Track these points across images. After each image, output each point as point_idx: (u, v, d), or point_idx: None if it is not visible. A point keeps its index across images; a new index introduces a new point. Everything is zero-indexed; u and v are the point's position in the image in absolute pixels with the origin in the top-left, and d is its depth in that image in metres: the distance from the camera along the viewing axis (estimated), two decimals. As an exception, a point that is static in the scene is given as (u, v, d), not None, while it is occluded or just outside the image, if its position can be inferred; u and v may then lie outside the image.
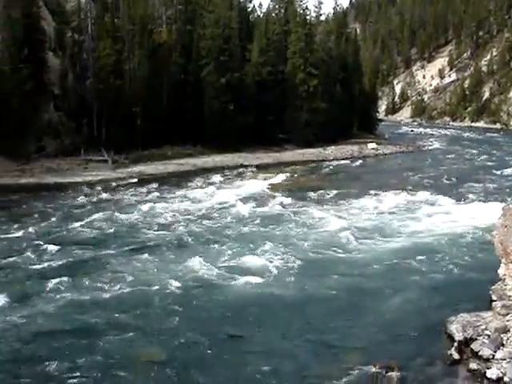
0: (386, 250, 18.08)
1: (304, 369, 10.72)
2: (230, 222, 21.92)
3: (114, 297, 13.90)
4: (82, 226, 21.27)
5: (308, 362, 10.94)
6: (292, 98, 51.29)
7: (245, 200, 25.73)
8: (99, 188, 31.04)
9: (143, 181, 33.58)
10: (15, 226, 21.41)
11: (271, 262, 16.61)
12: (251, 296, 14.14)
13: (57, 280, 14.85)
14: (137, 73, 43.25)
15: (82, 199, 27.76)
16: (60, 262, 16.70)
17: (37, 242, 18.98)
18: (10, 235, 19.98)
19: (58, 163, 36.32)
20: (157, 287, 14.48)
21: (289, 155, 47.03)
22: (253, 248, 17.93)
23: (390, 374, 10.31)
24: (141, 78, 42.82)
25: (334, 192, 28.10)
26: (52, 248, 18.17)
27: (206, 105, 45.51)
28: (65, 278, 14.98)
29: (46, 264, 16.66)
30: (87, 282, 14.97)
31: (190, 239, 19.46)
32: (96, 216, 22.90)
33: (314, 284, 15.00)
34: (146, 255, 17.33)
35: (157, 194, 28.92)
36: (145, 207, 24.80)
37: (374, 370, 10.40)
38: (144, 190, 30.42)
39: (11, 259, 17.19)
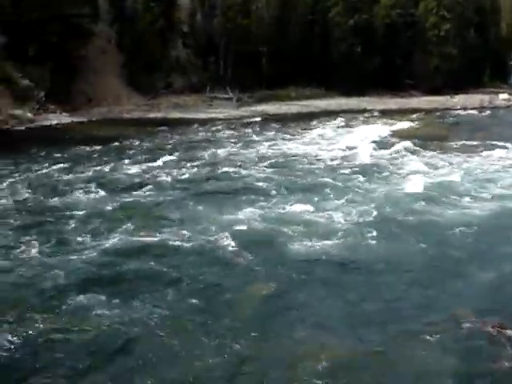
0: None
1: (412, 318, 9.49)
2: (344, 167, 20.11)
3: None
4: (201, 162, 20.67)
5: (416, 313, 9.65)
6: (421, 42, 48.05)
7: (365, 145, 24.14)
8: (222, 125, 30.70)
9: (266, 120, 32.86)
10: (146, 157, 21.47)
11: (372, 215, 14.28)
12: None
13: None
14: (264, 12, 42.10)
15: (204, 135, 27.48)
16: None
17: (165, 171, 18.92)
18: (147, 164, 19.90)
19: (184, 99, 36.43)
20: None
21: (415, 101, 44.29)
22: (359, 200, 15.60)
23: (504, 331, 9.05)
24: (268, 18, 41.68)
25: (459, 143, 25.70)
26: (168, 179, 17.99)
27: (332, 46, 43.65)
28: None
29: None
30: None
31: (296, 184, 17.48)
32: (216, 152, 22.33)
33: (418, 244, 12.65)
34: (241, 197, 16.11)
35: (278, 134, 28.01)
36: (264, 146, 23.95)
37: (487, 328, 9.15)
38: (266, 129, 29.62)
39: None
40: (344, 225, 13.37)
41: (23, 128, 28.79)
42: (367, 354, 8.40)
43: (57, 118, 30.68)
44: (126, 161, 20.66)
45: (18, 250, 11.62)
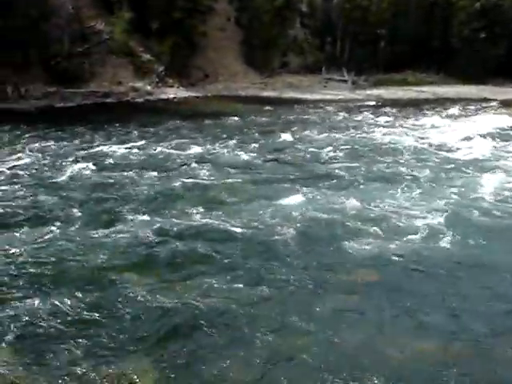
0: None
1: None
2: (456, 160, 18.26)
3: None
4: (308, 144, 19.75)
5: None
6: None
7: (482, 137, 22.17)
8: (335, 107, 29.73)
9: (380, 105, 31.51)
10: (254, 135, 21.01)
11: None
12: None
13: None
14: (385, -7, 40.39)
15: (317, 116, 26.65)
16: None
17: (269, 151, 18.28)
18: (253, 144, 19.34)
19: (299, 79, 35.72)
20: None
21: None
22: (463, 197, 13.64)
23: None
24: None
25: None
26: (270, 158, 17.36)
27: (454, 30, 41.23)
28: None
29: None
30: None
31: (402, 174, 15.77)
32: (324, 135, 21.34)
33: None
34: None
35: (391, 119, 26.59)
36: (376, 132, 22.70)
37: None
38: (379, 114, 28.25)
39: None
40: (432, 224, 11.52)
41: (142, 100, 29.33)
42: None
43: (174, 92, 30.98)
44: (232, 138, 20.11)
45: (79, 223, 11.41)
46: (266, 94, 32.53)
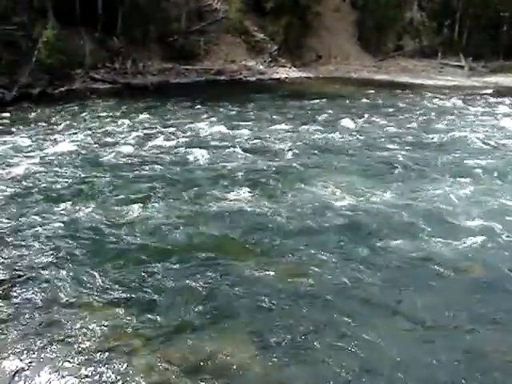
0: None
1: None
2: None
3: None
4: (423, 131, 18.36)
5: None
6: None
7: None
8: (449, 93, 27.89)
9: (498, 94, 29.27)
10: (358, 119, 19.79)
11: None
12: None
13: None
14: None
15: (429, 102, 25.02)
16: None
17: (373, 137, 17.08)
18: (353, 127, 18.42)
19: (414, 64, 34.00)
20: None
21: None
22: None
23: None
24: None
25: None
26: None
27: None
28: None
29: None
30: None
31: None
32: (435, 124, 19.71)
33: None
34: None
35: (506, 109, 24.38)
36: (492, 123, 20.66)
37: None
38: (497, 103, 26.11)
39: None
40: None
41: (254, 79, 28.99)
42: None
43: (286, 72, 30.38)
44: (342, 120, 19.22)
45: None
46: (378, 77, 31.21)
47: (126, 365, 6.44)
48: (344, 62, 32.60)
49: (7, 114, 19.09)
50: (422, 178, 12.90)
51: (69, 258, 8.69)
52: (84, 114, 19.53)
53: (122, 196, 11.20)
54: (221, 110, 20.63)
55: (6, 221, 9.98)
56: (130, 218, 10.11)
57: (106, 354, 6.62)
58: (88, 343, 6.77)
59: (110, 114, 19.56)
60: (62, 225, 9.74)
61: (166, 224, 9.81)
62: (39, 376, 6.30)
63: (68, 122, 18.12)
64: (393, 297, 7.94)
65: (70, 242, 9.16)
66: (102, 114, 19.47)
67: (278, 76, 29.69)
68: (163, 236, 9.44)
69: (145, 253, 8.86)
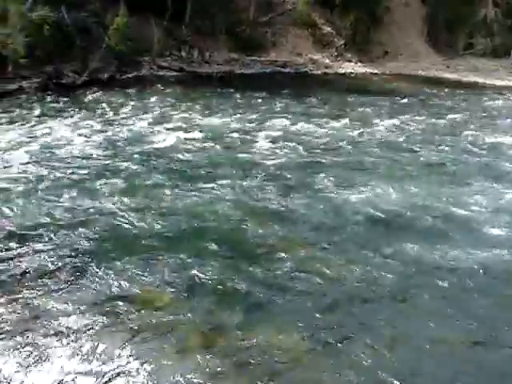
0: None
1: None
2: None
3: None
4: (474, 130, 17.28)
5: None
6: None
7: None
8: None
9: None
10: (420, 117, 19.05)
11: None
12: None
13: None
14: None
15: (497, 104, 23.67)
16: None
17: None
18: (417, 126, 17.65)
19: (484, 63, 32.59)
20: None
21: None
22: None
23: None
24: None
25: None
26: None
27: None
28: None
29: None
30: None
31: None
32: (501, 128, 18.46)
33: None
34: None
35: None
36: None
37: None
38: None
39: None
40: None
41: (319, 73, 28.47)
42: None
43: (352, 67, 29.67)
44: (404, 118, 18.49)
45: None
46: (446, 75, 30.07)
47: (175, 350, 6.35)
48: (412, 58, 31.55)
49: (78, 97, 19.42)
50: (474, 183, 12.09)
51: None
52: (150, 99, 19.63)
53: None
54: (284, 102, 20.29)
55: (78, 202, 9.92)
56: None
57: (158, 339, 6.55)
58: (143, 329, 6.70)
59: (175, 100, 19.60)
60: (119, 207, 9.66)
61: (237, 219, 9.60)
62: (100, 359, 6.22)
63: (134, 107, 18.27)
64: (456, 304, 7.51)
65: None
66: (167, 100, 19.54)
67: (343, 71, 29.03)
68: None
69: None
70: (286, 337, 6.63)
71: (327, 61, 29.63)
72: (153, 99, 19.68)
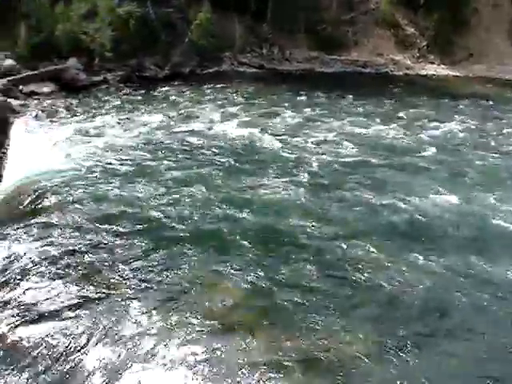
0: None
1: None
2: None
3: None
4: None
5: None
6: None
7: None
8: None
9: None
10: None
11: None
12: None
13: None
14: None
15: None
16: None
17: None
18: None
19: None
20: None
21: None
22: None
23: None
24: None
25: None
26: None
27: None
28: None
29: None
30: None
31: None
32: None
33: None
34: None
35: None
36: None
37: None
38: None
39: None
40: None
41: (400, 74, 27.65)
42: None
43: (434, 69, 28.61)
44: (487, 122, 17.56)
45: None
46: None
47: (243, 344, 6.29)
48: (498, 62, 30.07)
49: (159, 90, 19.62)
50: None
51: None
52: (229, 94, 19.61)
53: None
54: (365, 103, 19.73)
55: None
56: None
57: (227, 330, 6.54)
58: (214, 320, 6.71)
59: (255, 96, 19.49)
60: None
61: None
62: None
63: (213, 101, 18.29)
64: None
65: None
66: (246, 96, 19.49)
67: (425, 72, 28.03)
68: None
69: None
70: (355, 342, 6.45)
71: (409, 62, 28.70)
72: (233, 94, 19.72)
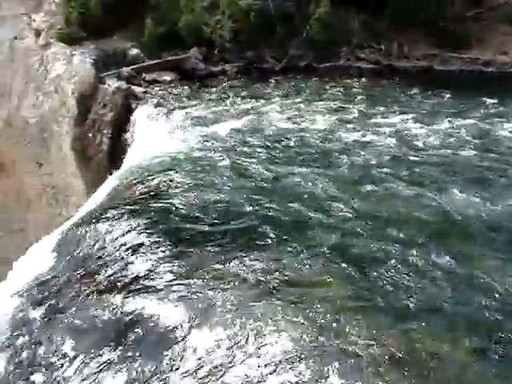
0: None
1: None
2: None
3: None
4: None
5: None
6: None
7: None
8: None
9: None
10: None
11: None
12: None
13: None
14: None
15: None
16: None
17: None
18: None
19: None
20: None
21: None
22: None
23: None
24: None
25: None
26: None
27: None
28: None
29: None
30: None
31: None
32: None
33: None
34: None
35: None
36: None
37: None
38: None
39: None
40: None
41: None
42: None
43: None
44: None
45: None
46: None
47: (339, 340, 6.01)
48: None
49: (277, 81, 19.58)
50: None
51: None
52: (347, 90, 19.09)
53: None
54: (489, 104, 18.33)
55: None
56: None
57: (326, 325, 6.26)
58: (315, 312, 6.51)
59: (369, 93, 18.74)
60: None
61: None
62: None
63: (330, 96, 17.84)
64: None
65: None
66: (364, 93, 18.82)
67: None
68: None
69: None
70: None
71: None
72: (352, 90, 19.18)
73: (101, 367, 5.77)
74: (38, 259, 8.20)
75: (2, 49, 26.32)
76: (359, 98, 17.86)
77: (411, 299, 6.75)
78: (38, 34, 25.67)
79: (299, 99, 16.99)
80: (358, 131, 13.27)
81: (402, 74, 23.23)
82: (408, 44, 25.97)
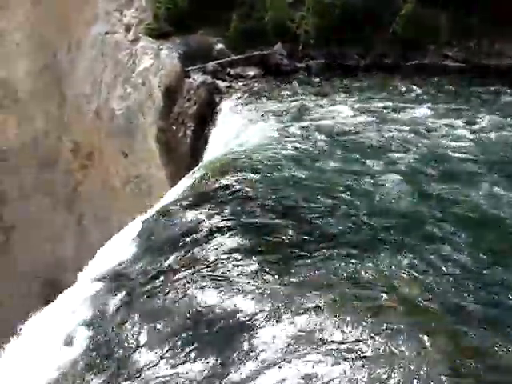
0: None
1: None
2: None
3: None
4: None
5: None
6: None
7: None
8: None
9: None
10: None
11: None
12: None
13: None
14: None
15: None
16: None
17: None
18: None
19: None
20: None
21: None
22: None
23: None
24: None
25: None
26: None
27: None
28: None
29: None
30: None
31: None
32: None
33: None
34: None
35: None
36: None
37: None
38: None
39: None
40: None
41: None
42: None
43: None
44: None
45: None
46: None
47: (417, 344, 5.54)
48: None
49: (361, 79, 19.16)
50: None
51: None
52: (431, 89, 18.29)
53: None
54: None
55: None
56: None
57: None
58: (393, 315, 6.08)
59: (456, 93, 17.85)
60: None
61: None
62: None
63: (416, 96, 17.14)
64: None
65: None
66: (449, 93, 17.92)
67: None
68: None
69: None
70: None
71: None
72: (434, 90, 18.34)
73: (176, 355, 5.66)
74: (120, 246, 8.27)
75: (95, 44, 27.24)
76: (460, 100, 16.93)
77: None
78: (127, 29, 26.39)
79: (382, 96, 16.40)
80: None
81: (492, 72, 22.00)
82: (500, 41, 24.66)
